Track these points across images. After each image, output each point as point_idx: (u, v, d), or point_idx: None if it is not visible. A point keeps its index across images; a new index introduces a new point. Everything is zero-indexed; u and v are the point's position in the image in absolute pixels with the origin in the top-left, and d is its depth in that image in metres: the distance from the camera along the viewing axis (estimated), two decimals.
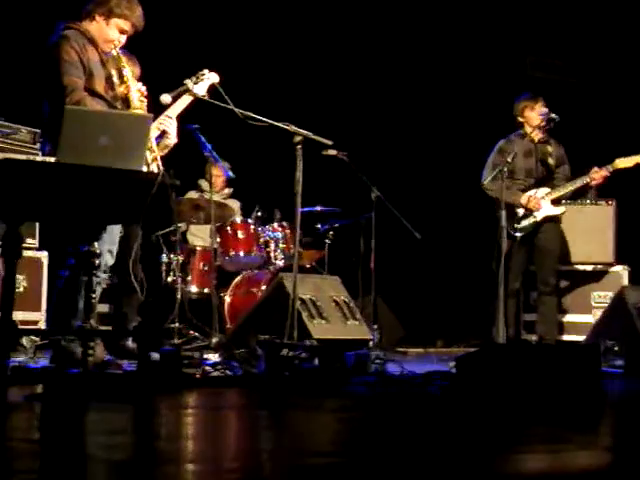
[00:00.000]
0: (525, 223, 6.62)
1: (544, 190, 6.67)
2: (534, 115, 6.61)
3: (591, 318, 7.08)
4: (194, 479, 2.30)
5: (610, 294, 6.90)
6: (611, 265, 7.21)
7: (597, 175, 6.57)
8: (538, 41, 9.16)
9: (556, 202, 6.70)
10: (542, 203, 6.62)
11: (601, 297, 7.14)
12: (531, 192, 6.62)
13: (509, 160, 6.11)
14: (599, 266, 7.23)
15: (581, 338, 6.77)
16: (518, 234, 6.59)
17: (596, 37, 8.87)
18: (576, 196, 6.93)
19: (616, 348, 6.00)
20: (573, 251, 7.24)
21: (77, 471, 2.32)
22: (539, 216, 6.61)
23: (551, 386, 3.87)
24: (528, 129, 6.65)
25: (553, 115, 6.42)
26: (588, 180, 6.62)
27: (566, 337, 7.06)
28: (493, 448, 2.84)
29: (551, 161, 6.66)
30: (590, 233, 7.25)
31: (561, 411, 3.67)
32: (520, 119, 6.73)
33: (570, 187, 6.64)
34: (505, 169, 6.06)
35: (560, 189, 6.64)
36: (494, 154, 6.73)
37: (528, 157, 6.65)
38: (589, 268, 7.23)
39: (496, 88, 8.64)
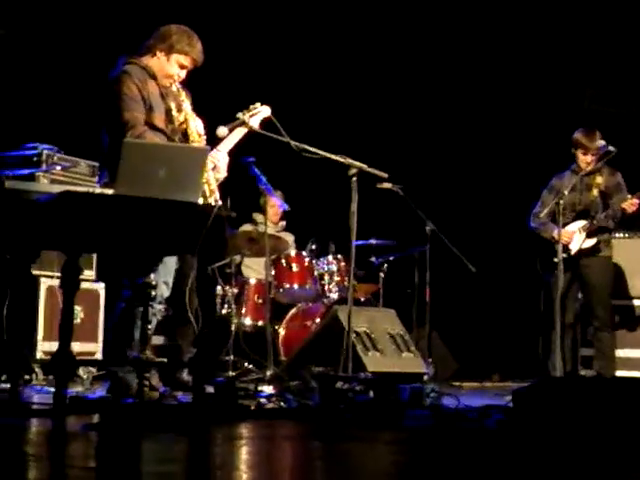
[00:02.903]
0: (563, 256, 6.52)
1: (579, 223, 6.55)
2: (580, 155, 6.54)
3: None
4: None
5: None
6: None
7: (627, 204, 6.44)
8: (597, 74, 9.10)
9: (593, 234, 6.54)
10: (575, 236, 6.49)
11: None
12: (569, 226, 6.53)
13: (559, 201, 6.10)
14: None
15: (639, 374, 6.64)
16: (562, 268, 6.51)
17: None
18: (622, 226, 6.82)
19: None
20: (631, 285, 7.13)
21: None
22: (573, 249, 6.50)
23: (609, 422, 3.80)
24: (578, 162, 6.59)
25: (611, 148, 6.35)
26: (620, 210, 6.47)
27: (624, 373, 6.92)
28: None
29: (595, 192, 6.53)
30: None
31: (619, 448, 3.60)
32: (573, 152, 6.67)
33: (604, 218, 6.51)
34: (552, 206, 6.11)
35: (594, 221, 6.52)
36: (545, 191, 6.73)
37: (573, 191, 6.54)
38: None
39: (554, 121, 8.60)
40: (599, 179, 6.55)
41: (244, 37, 8.25)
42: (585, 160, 6.52)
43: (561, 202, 6.19)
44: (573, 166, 6.66)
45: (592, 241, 6.51)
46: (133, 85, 4.84)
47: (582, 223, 6.55)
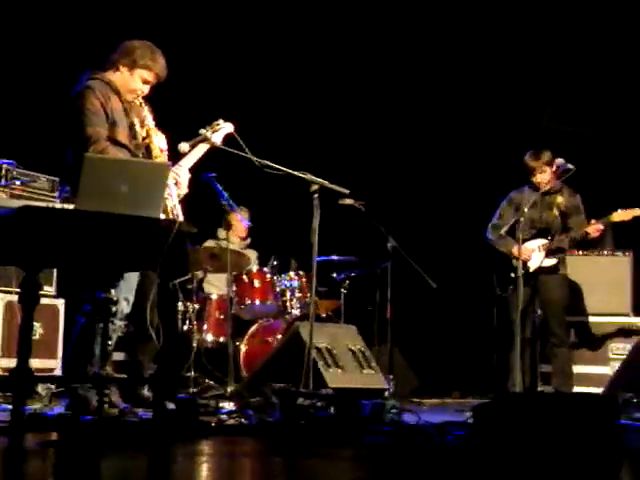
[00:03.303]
0: (519, 273, 6.58)
1: (540, 241, 6.62)
2: (535, 177, 6.63)
3: (608, 370, 7.02)
4: None
5: (628, 346, 6.85)
6: (628, 316, 7.17)
7: (591, 229, 6.53)
8: (556, 93, 9.20)
9: (552, 253, 6.61)
10: (534, 254, 6.56)
11: (619, 349, 7.09)
12: (528, 243, 6.59)
13: (520, 217, 6.16)
14: (616, 317, 7.19)
15: (598, 390, 6.70)
16: (512, 285, 6.58)
17: (611, 88, 8.91)
18: (579, 247, 6.91)
19: (635, 400, 5.94)
20: (590, 302, 7.21)
21: None
22: (531, 267, 6.56)
23: (568, 437, 3.84)
24: (536, 183, 6.66)
25: (570, 166, 6.43)
26: (583, 234, 6.57)
27: (583, 389, 6.99)
28: None
29: (556, 212, 6.61)
30: (607, 284, 7.23)
31: (578, 463, 3.63)
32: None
33: (565, 240, 6.59)
34: (512, 220, 6.18)
35: (555, 241, 6.59)
36: (504, 202, 6.80)
37: (533, 208, 6.61)
38: (606, 319, 7.19)
39: (513, 139, 8.68)
40: (560, 199, 6.63)
41: (207, 53, 8.25)
42: (542, 179, 6.60)
43: (521, 219, 6.26)
44: (531, 183, 6.74)
45: (552, 261, 6.59)
46: (96, 100, 4.82)
47: (542, 241, 6.61)
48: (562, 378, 6.67)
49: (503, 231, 6.52)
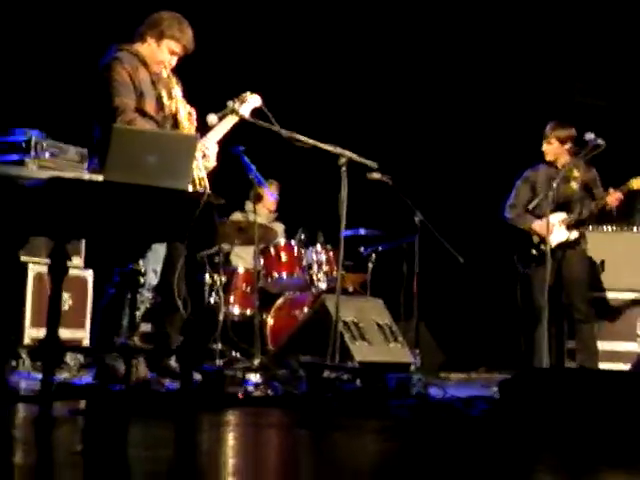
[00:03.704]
0: (541, 249, 6.54)
1: (559, 215, 6.54)
2: (545, 149, 6.62)
3: (636, 346, 6.99)
4: None
5: None
6: None
7: (611, 198, 6.46)
8: (586, 67, 9.11)
9: (574, 227, 6.57)
10: (555, 229, 6.50)
11: None
12: (549, 218, 6.54)
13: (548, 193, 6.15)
14: None
15: (626, 367, 6.68)
16: (534, 262, 6.56)
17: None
18: (599, 220, 6.85)
19: None
20: (619, 278, 7.16)
21: None
22: (553, 242, 6.49)
23: (596, 413, 3.83)
24: (550, 156, 6.64)
25: (600, 141, 6.35)
26: (602, 203, 6.51)
27: (611, 365, 6.96)
28: (533, 473, 2.81)
29: (574, 186, 6.55)
30: (634, 260, 7.17)
31: (605, 439, 3.62)
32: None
33: (585, 211, 6.54)
34: (536, 201, 6.18)
35: (575, 214, 6.54)
36: (519, 182, 6.77)
37: (549, 184, 6.58)
38: (634, 296, 7.14)
39: (543, 115, 8.61)
40: (576, 172, 6.57)
41: (235, 26, 8.23)
42: (546, 149, 6.62)
43: (550, 194, 6.22)
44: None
45: (575, 234, 6.54)
46: (124, 71, 4.83)
47: (562, 216, 6.56)
48: (587, 354, 6.63)
49: (531, 205, 6.46)
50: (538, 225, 6.50)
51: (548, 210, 6.20)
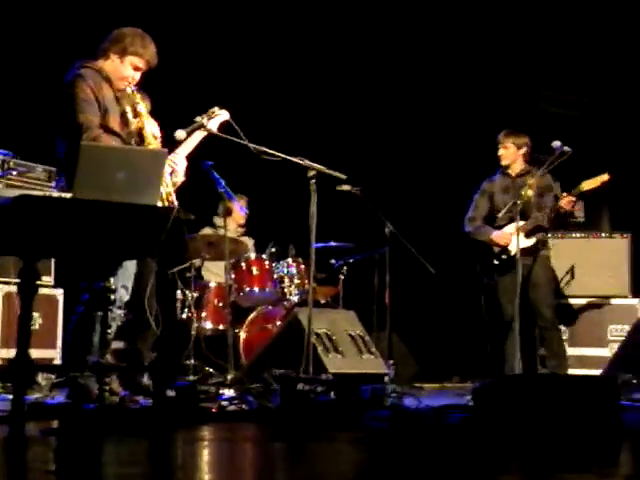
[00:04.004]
0: (502, 258, 6.61)
1: (516, 224, 6.61)
2: (501, 153, 6.72)
3: (607, 352, 7.04)
4: None
5: (626, 327, 6.87)
6: (627, 298, 7.18)
7: (564, 202, 6.54)
8: (551, 76, 9.19)
9: (531, 233, 6.62)
10: (513, 238, 6.55)
11: (618, 330, 7.10)
12: (506, 227, 6.63)
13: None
14: (615, 299, 7.20)
15: (598, 372, 6.72)
16: (496, 272, 6.62)
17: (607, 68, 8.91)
18: (557, 225, 6.92)
19: (634, 381, 5.95)
20: (589, 284, 7.22)
21: None
22: (513, 250, 6.56)
23: (569, 418, 3.85)
24: (506, 161, 6.74)
25: (566, 148, 6.42)
26: (556, 208, 6.58)
27: (583, 371, 7.01)
28: (512, 477, 2.82)
29: (529, 192, 6.61)
30: (605, 266, 7.24)
31: (579, 442, 3.64)
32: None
33: (540, 217, 6.60)
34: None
35: (532, 220, 6.59)
36: (477, 195, 6.85)
37: (506, 193, 6.69)
38: (604, 301, 7.20)
39: (510, 124, 8.68)
40: (531, 180, 6.63)
41: (203, 41, 8.23)
42: (501, 154, 6.75)
43: (518, 202, 6.28)
44: (500, 169, 6.79)
45: (531, 241, 6.59)
46: (87, 88, 4.81)
47: (519, 224, 6.60)
48: (556, 360, 6.67)
49: (500, 215, 6.53)
50: (497, 236, 6.60)
51: (518, 217, 6.26)
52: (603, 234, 7.40)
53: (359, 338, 6.04)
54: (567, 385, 4.15)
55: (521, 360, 6.23)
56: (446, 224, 8.88)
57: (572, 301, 7.27)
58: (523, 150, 6.72)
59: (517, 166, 6.75)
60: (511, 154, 6.72)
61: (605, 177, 6.46)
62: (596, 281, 7.22)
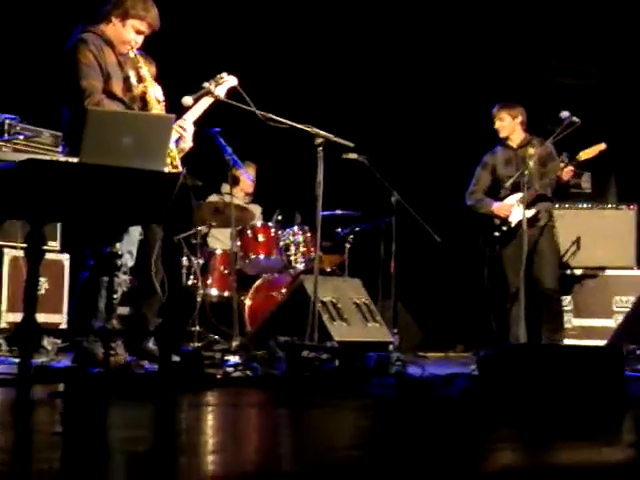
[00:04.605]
0: (503, 230, 6.62)
1: (516, 195, 6.61)
2: (497, 126, 6.76)
3: (613, 322, 7.05)
4: (214, 469, 2.30)
5: (631, 298, 6.88)
6: (632, 269, 7.18)
7: (563, 172, 6.55)
8: (560, 45, 9.13)
9: (532, 204, 6.59)
10: (514, 209, 6.57)
11: (622, 301, 7.10)
12: (507, 199, 6.64)
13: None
14: (620, 270, 7.20)
15: (602, 342, 6.73)
16: (498, 244, 6.64)
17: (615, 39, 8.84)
18: (559, 195, 6.92)
19: (638, 352, 5.96)
20: (594, 255, 7.22)
21: (98, 461, 2.34)
22: (513, 221, 6.58)
23: (573, 387, 3.86)
24: (505, 132, 6.74)
25: (575, 119, 6.40)
26: (555, 178, 6.59)
27: (587, 342, 7.02)
28: (516, 445, 2.83)
29: (531, 163, 6.58)
30: (611, 238, 7.22)
31: (583, 412, 3.65)
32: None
33: (539, 187, 6.60)
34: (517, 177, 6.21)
35: (531, 190, 6.58)
36: (478, 168, 6.86)
37: (508, 165, 6.72)
38: (610, 272, 7.20)
39: (520, 95, 8.64)
40: (531, 150, 6.62)
41: (210, 6, 8.18)
42: (498, 127, 6.77)
43: (526, 173, 6.28)
44: (503, 140, 6.79)
45: (531, 212, 6.57)
46: (90, 53, 4.79)
47: (519, 195, 6.60)
48: (554, 329, 6.70)
49: (508, 184, 6.53)
50: (497, 207, 6.63)
51: (526, 188, 6.27)
52: (609, 205, 7.39)
53: (364, 306, 6.05)
54: (571, 355, 4.16)
55: (525, 330, 6.25)
56: (452, 193, 8.87)
57: (577, 272, 7.27)
58: (519, 119, 6.75)
59: (517, 137, 6.76)
60: (508, 125, 6.74)
61: (602, 146, 6.49)
62: (601, 252, 7.21)
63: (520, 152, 6.68)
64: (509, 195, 6.63)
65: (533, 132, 6.81)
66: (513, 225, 6.57)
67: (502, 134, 6.76)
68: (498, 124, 6.78)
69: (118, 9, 4.91)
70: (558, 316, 6.75)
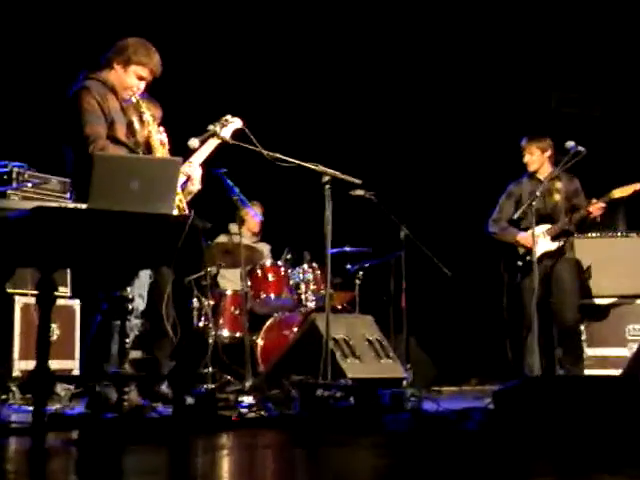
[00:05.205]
0: (527, 260, 6.61)
1: (543, 227, 6.64)
2: (527, 160, 6.70)
3: (626, 351, 6.99)
4: None
5: None
6: None
7: (594, 208, 6.57)
8: (562, 76, 9.17)
9: (558, 237, 6.64)
10: (539, 240, 6.57)
11: (636, 330, 7.06)
12: (531, 230, 6.64)
13: (531, 204, 6.18)
14: (633, 299, 7.16)
15: (617, 372, 6.68)
16: (520, 273, 6.62)
17: (618, 69, 8.88)
18: (581, 229, 6.91)
19: None
20: (605, 284, 7.18)
21: None
22: (538, 252, 6.58)
23: (591, 419, 3.83)
24: (534, 166, 6.74)
25: (580, 148, 6.42)
26: (585, 213, 6.61)
27: (601, 371, 6.96)
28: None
29: (557, 197, 6.62)
30: (622, 265, 7.18)
31: (604, 444, 3.62)
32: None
33: (567, 221, 6.62)
34: (529, 209, 6.20)
35: (559, 224, 6.62)
36: (503, 197, 6.85)
37: (535, 196, 6.69)
38: (622, 301, 7.16)
39: (522, 126, 8.67)
40: (558, 184, 6.66)
41: (213, 49, 8.25)
42: (528, 160, 6.73)
43: (533, 204, 6.29)
44: (527, 172, 6.78)
45: (556, 244, 6.61)
46: (93, 100, 4.82)
47: (546, 227, 6.64)
48: (574, 361, 6.68)
49: (516, 216, 6.52)
50: (522, 237, 6.60)
51: (533, 219, 6.27)
52: (619, 233, 7.36)
53: (377, 343, 6.03)
54: (587, 386, 4.13)
55: (540, 361, 6.22)
56: (460, 226, 8.88)
57: (589, 301, 7.22)
58: (548, 153, 6.71)
59: (545, 170, 6.73)
60: (537, 159, 6.71)
61: (638, 186, 6.47)
62: (613, 281, 7.18)
63: (547, 185, 6.67)
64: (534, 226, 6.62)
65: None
66: (538, 256, 6.57)
67: (531, 168, 6.72)
68: (527, 158, 6.73)
69: (120, 55, 4.95)
70: (578, 347, 6.73)
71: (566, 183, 6.72)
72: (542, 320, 6.55)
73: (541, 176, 6.73)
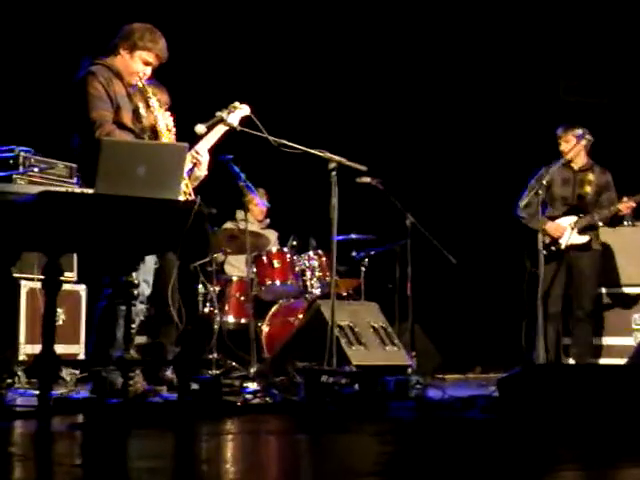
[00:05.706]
0: (552, 249, 6.60)
1: (571, 218, 6.64)
2: (564, 148, 6.65)
3: (632, 341, 6.99)
4: None
5: None
6: None
7: (624, 206, 6.57)
8: (570, 65, 9.15)
9: (585, 231, 6.64)
10: (566, 232, 6.56)
11: None
12: (560, 220, 6.62)
13: (539, 192, 6.14)
14: (638, 288, 7.15)
15: (622, 361, 6.68)
16: (543, 260, 6.61)
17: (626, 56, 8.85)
18: (610, 224, 6.90)
19: None
20: (612, 273, 7.17)
21: None
22: (563, 243, 6.57)
23: (595, 407, 3.83)
24: (571, 154, 6.68)
25: (588, 136, 6.42)
26: (615, 211, 6.61)
27: (607, 360, 6.97)
28: (539, 471, 2.80)
29: (588, 189, 6.62)
30: (628, 255, 7.17)
31: (606, 432, 3.62)
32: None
33: (597, 216, 6.62)
34: (540, 197, 6.14)
35: (587, 217, 6.61)
36: (533, 181, 6.78)
37: (565, 185, 6.70)
38: (628, 290, 7.15)
39: (530, 113, 8.65)
40: (591, 176, 6.66)
41: (223, 35, 8.24)
42: (564, 149, 6.66)
43: (540, 193, 6.26)
44: (563, 160, 6.72)
45: (584, 238, 6.63)
46: (99, 85, 4.82)
47: (573, 219, 6.63)
48: (583, 349, 6.69)
49: (534, 209, 6.47)
50: (550, 227, 6.60)
51: (555, 210, 6.29)
52: (625, 223, 7.34)
53: (382, 330, 6.03)
54: (592, 375, 4.13)
55: (548, 349, 6.25)
56: (465, 213, 8.88)
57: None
58: (584, 141, 6.64)
59: (580, 160, 6.71)
60: (574, 146, 6.62)
61: None
62: (619, 270, 7.17)
63: (579, 175, 6.65)
64: (561, 215, 6.61)
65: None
66: (562, 247, 6.58)
67: (568, 156, 6.63)
68: (564, 146, 6.66)
69: (126, 41, 4.94)
70: (589, 337, 6.75)
71: (598, 175, 6.72)
72: (559, 310, 6.58)
73: (575, 165, 6.72)
